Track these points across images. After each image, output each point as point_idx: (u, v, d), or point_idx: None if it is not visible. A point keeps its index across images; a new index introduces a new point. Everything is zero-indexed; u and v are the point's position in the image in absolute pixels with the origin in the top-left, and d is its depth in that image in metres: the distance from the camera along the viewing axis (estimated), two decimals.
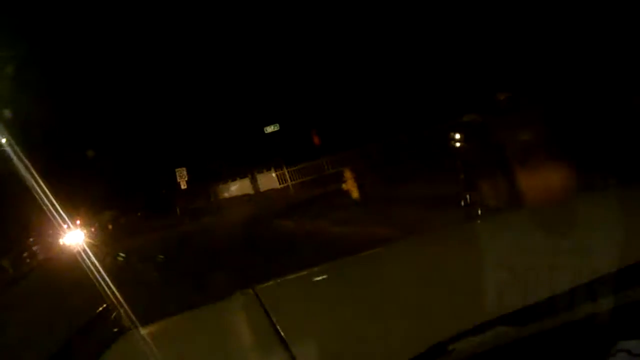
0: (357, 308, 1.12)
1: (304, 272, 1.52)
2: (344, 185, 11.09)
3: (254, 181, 25.26)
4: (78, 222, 40.10)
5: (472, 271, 1.18)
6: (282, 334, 0.98)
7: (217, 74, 27.21)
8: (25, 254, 23.97)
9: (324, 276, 1.54)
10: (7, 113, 18.52)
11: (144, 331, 1.31)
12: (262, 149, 24.50)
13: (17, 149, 13.22)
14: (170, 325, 1.41)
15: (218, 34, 25.81)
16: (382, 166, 15.28)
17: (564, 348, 0.83)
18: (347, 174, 10.88)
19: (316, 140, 23.63)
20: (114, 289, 4.95)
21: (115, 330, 1.34)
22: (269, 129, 24.03)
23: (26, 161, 12.54)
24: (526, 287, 0.98)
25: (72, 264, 11.11)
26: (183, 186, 25.22)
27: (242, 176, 26.56)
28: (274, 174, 23.43)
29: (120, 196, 37.15)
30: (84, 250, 14.16)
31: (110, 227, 35.62)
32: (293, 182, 22.62)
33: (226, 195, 28.48)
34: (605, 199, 1.72)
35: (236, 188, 27.15)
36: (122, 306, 1.60)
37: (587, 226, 1.29)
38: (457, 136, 5.63)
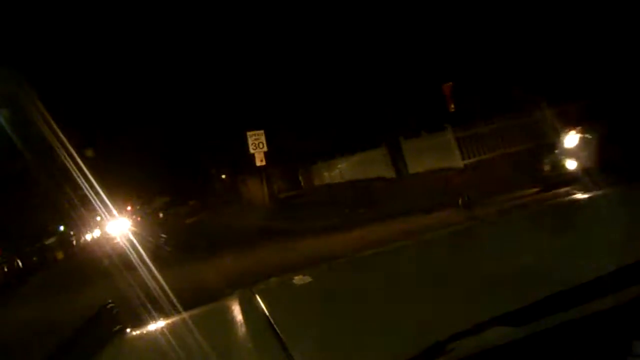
0: (357, 308, 1.13)
1: (304, 272, 1.54)
2: None
3: (396, 155, 13.51)
4: (129, 208, 34.10)
5: (472, 271, 1.20)
6: (281, 334, 0.99)
7: None
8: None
9: (324, 276, 1.54)
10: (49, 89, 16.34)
11: (142, 330, 1.33)
12: (408, 95, 12.82)
13: (57, 128, 12.09)
14: (169, 324, 1.37)
15: None
16: None
17: (564, 348, 0.82)
18: None
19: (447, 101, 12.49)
20: None
21: (113, 329, 1.30)
22: None
23: (65, 140, 11.56)
24: (526, 287, 0.98)
25: None
26: (259, 161, 14.43)
27: (366, 146, 14.87)
28: (450, 136, 11.30)
29: (177, 178, 29.85)
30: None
31: (161, 215, 32.85)
32: (481, 158, 10.84)
33: (327, 178, 17.35)
34: (605, 199, 1.74)
35: (352, 167, 15.68)
36: (121, 305, 1.45)
37: (587, 226, 1.34)
38: None
